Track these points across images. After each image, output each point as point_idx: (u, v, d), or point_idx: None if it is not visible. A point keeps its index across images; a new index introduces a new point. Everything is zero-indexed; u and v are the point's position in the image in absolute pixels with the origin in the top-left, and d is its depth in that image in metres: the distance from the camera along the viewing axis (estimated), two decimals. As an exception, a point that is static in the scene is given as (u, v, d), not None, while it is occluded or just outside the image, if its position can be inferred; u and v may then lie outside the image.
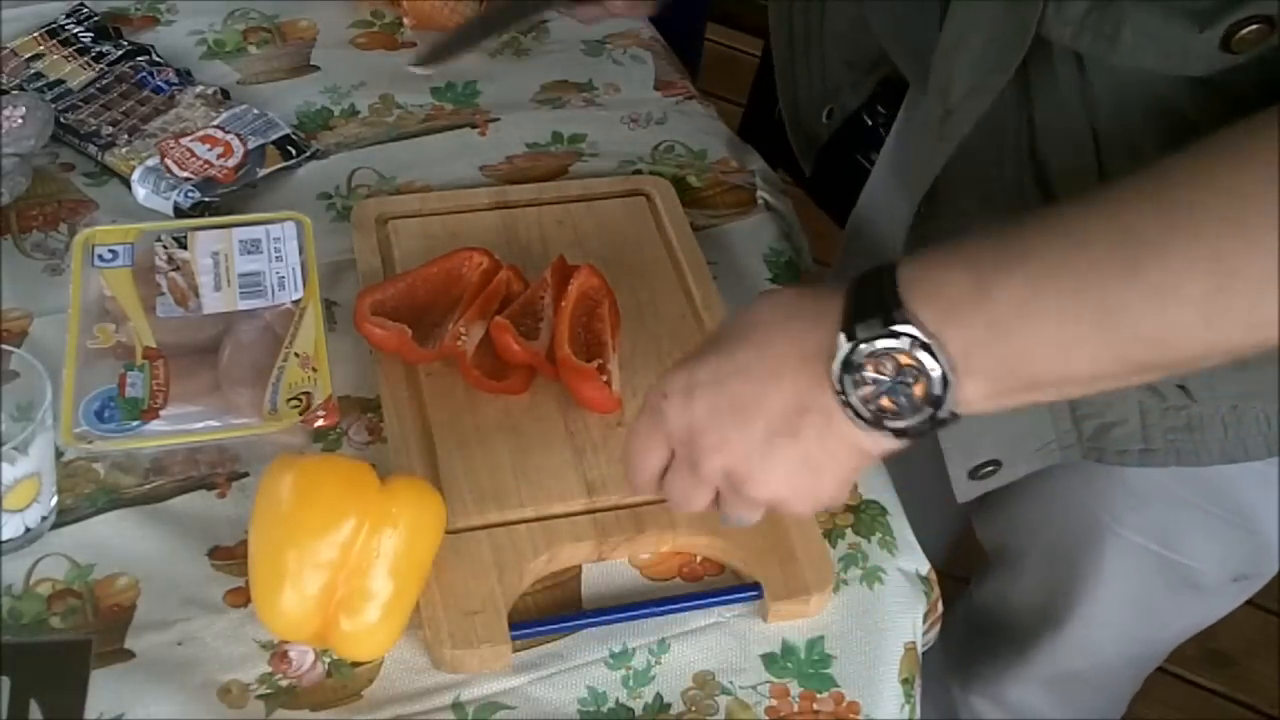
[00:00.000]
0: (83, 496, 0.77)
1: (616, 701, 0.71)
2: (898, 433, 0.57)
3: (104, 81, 1.02)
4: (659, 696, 0.72)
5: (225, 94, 1.03)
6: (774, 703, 0.72)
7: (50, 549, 0.75)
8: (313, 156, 1.00)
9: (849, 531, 0.80)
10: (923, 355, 0.55)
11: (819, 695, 0.73)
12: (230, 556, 0.75)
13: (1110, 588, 0.92)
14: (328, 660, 0.71)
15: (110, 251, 0.87)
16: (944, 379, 0.55)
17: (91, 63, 1.04)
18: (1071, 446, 0.79)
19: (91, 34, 1.07)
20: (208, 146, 0.96)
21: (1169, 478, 0.80)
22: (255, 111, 1.01)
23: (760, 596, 0.74)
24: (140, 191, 0.94)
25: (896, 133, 0.95)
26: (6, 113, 0.94)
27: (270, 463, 0.69)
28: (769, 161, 1.07)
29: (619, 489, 0.78)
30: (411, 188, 0.99)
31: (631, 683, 0.72)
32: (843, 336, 0.56)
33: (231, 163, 0.96)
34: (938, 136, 0.66)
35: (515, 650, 0.72)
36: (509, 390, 0.82)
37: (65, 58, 1.05)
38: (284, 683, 0.70)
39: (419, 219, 0.94)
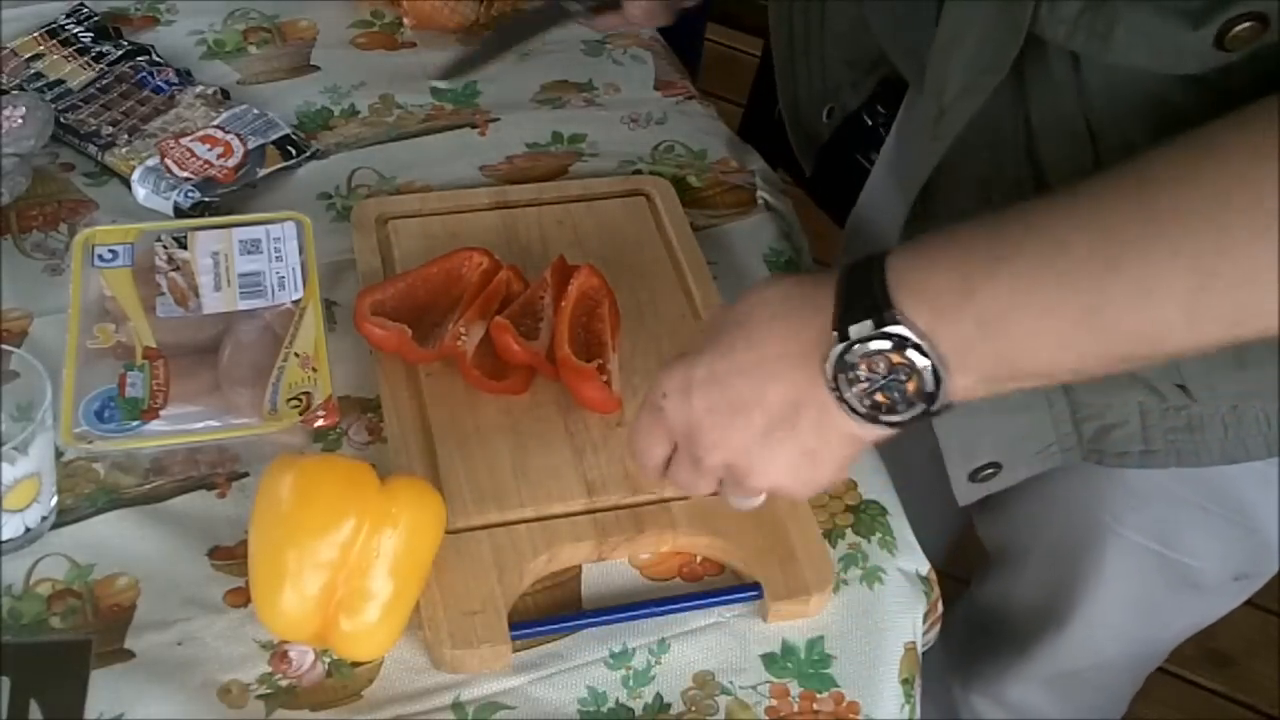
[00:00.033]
0: (83, 496, 0.77)
1: (616, 701, 0.71)
2: (893, 424, 0.59)
3: (104, 81, 1.02)
4: (659, 696, 0.72)
5: (225, 94, 1.03)
6: (774, 703, 0.72)
7: (50, 549, 0.75)
8: (313, 156, 1.00)
9: (849, 531, 0.80)
10: (914, 355, 0.56)
11: (819, 695, 0.73)
12: (230, 556, 0.75)
13: (1111, 587, 0.92)
14: (328, 660, 0.71)
15: (110, 251, 0.87)
16: (936, 376, 0.56)
17: (91, 63, 1.04)
18: (1072, 449, 0.79)
19: (91, 34, 1.07)
20: (208, 146, 0.96)
21: (1169, 477, 0.80)
22: (255, 111, 1.01)
23: (760, 596, 0.74)
24: (140, 191, 0.94)
25: (896, 133, 0.95)
26: (6, 113, 0.94)
27: (270, 463, 0.69)
28: (769, 161, 1.07)
29: (619, 489, 0.78)
30: (411, 188, 0.99)
31: (631, 683, 0.72)
32: (835, 336, 0.58)
33: (231, 163, 0.96)
34: (932, 135, 0.66)
35: (515, 650, 0.72)
36: (509, 390, 0.82)
37: (65, 58, 1.05)
38: (284, 683, 0.70)
39: (419, 219, 0.94)
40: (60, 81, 1.03)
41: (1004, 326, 0.55)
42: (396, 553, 0.67)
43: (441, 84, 0.99)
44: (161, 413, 0.77)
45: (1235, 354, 0.71)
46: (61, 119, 0.98)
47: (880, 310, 0.56)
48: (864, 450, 0.65)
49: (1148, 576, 0.90)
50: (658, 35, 1.18)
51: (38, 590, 0.73)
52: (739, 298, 0.64)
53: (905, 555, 0.80)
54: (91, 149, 0.97)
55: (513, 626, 0.71)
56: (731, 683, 0.73)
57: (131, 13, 1.13)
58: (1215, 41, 0.55)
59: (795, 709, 0.72)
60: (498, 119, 1.05)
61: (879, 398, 0.58)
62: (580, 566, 0.77)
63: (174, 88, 1.02)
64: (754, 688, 0.72)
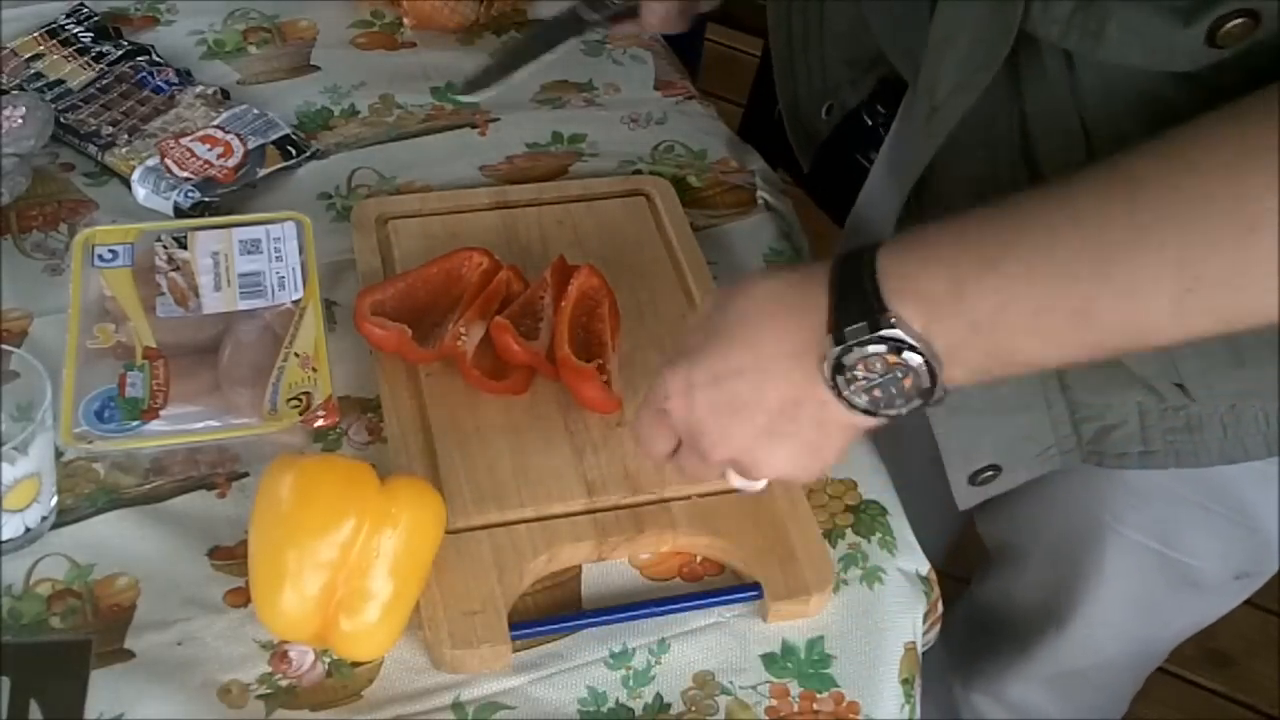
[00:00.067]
0: (83, 496, 0.77)
1: (616, 701, 0.71)
2: (891, 416, 0.61)
3: (104, 81, 1.02)
4: (659, 696, 0.72)
5: (225, 94, 1.03)
6: (774, 703, 0.72)
7: (50, 549, 0.75)
8: (313, 156, 1.00)
9: (849, 531, 0.80)
10: (910, 355, 0.58)
11: (819, 695, 0.73)
12: (230, 556, 0.75)
13: (1112, 586, 0.92)
14: (328, 660, 0.71)
15: (110, 251, 0.87)
16: (931, 372, 0.58)
17: (91, 63, 1.04)
18: (1071, 451, 0.79)
19: (91, 34, 1.07)
20: (208, 146, 0.96)
21: (1169, 477, 0.80)
22: (255, 111, 1.01)
23: (760, 596, 0.74)
24: (140, 191, 0.94)
25: (895, 132, 0.95)
26: (6, 113, 0.94)
27: (270, 463, 0.69)
28: (769, 161, 1.07)
29: (619, 489, 0.78)
30: (411, 188, 0.99)
31: (631, 683, 0.72)
32: (831, 340, 0.59)
33: (231, 163, 0.96)
34: (925, 132, 0.67)
35: (515, 650, 0.72)
36: (509, 390, 0.82)
37: (65, 58, 1.05)
38: (284, 683, 0.70)
39: (419, 219, 0.94)
40: (60, 81, 1.03)
41: (995, 326, 0.57)
42: (396, 553, 0.67)
43: (465, 97, 1.00)
44: (161, 413, 0.77)
45: (1233, 353, 0.71)
46: (61, 119, 0.98)
47: (875, 314, 0.58)
48: (864, 432, 0.67)
49: (1148, 576, 0.90)
50: (658, 35, 1.18)
51: (38, 590, 0.73)
52: (733, 292, 0.65)
53: (905, 555, 0.80)
54: (91, 149, 0.97)
55: (513, 626, 0.71)
56: (731, 683, 0.73)
57: (131, 13, 1.13)
58: (1207, 39, 0.55)
59: (795, 709, 0.72)
60: (498, 119, 1.05)
61: (876, 394, 0.60)
62: (580, 566, 0.77)
63: (174, 88, 1.02)
64: (754, 688, 0.72)
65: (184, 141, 0.96)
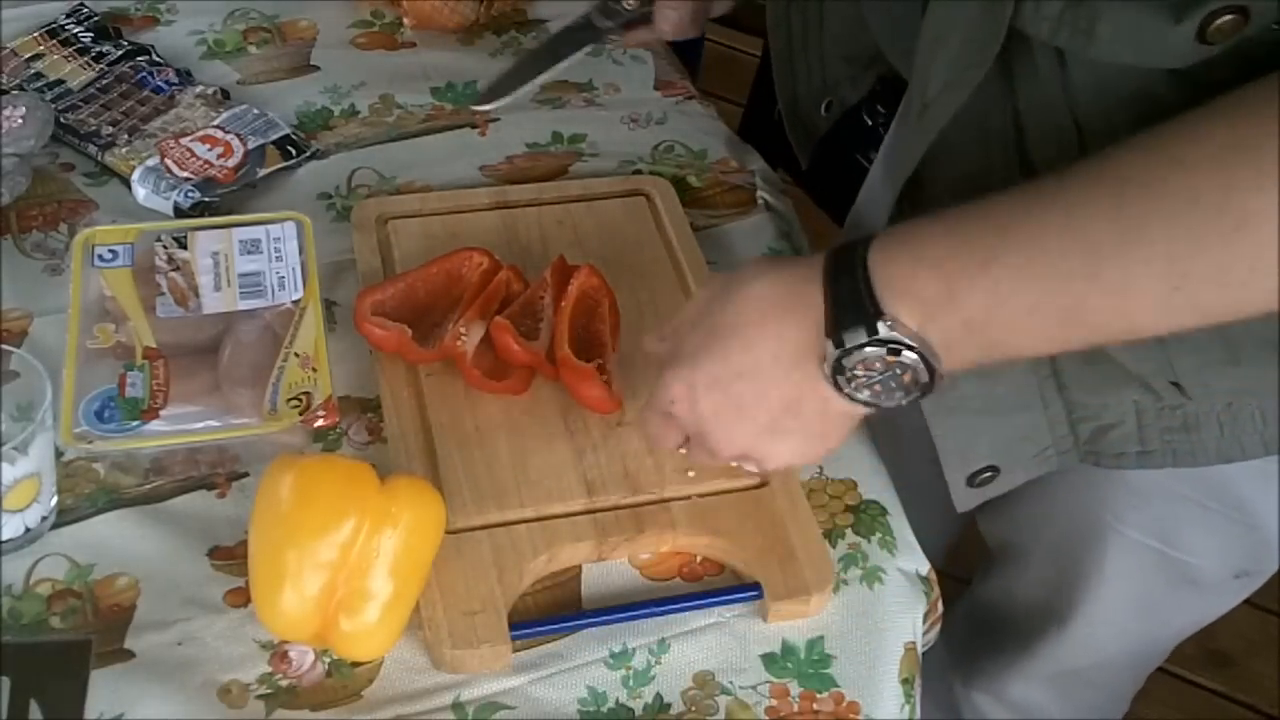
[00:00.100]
0: (83, 496, 0.77)
1: (616, 701, 0.71)
2: (892, 406, 0.63)
3: (104, 81, 1.02)
4: (659, 696, 0.72)
5: (225, 94, 1.03)
6: (774, 703, 0.72)
7: (50, 549, 0.75)
8: (313, 156, 1.00)
9: (849, 531, 0.80)
10: (908, 354, 0.59)
11: (819, 695, 0.73)
12: (230, 556, 0.75)
13: (1112, 585, 0.92)
14: (328, 660, 0.71)
15: (110, 251, 0.87)
16: (929, 368, 0.60)
17: (91, 63, 1.04)
18: (1069, 451, 0.79)
19: (91, 34, 1.07)
20: (208, 146, 0.96)
21: (1169, 475, 0.80)
22: (255, 111, 1.01)
23: (760, 596, 0.74)
24: (140, 191, 0.94)
25: (892, 130, 0.95)
26: (6, 113, 0.94)
27: (270, 463, 0.69)
28: (769, 161, 1.07)
29: (619, 489, 0.78)
30: (411, 188, 0.99)
31: (631, 683, 0.72)
32: (830, 344, 0.61)
33: (231, 163, 0.96)
34: (917, 129, 0.67)
35: (515, 650, 0.72)
36: (509, 390, 0.82)
37: (65, 58, 1.05)
38: (284, 683, 0.70)
39: (419, 219, 0.94)
40: (60, 81, 1.03)
41: (988, 324, 0.59)
42: (396, 553, 0.67)
43: (483, 108, 1.00)
44: (161, 413, 0.77)
45: (1229, 351, 0.71)
46: (61, 119, 0.98)
47: (872, 319, 0.59)
48: (864, 425, 0.74)
49: (1149, 574, 0.90)
50: (663, 37, 1.18)
51: (38, 590, 0.73)
52: (728, 288, 0.67)
53: (905, 555, 0.80)
54: (91, 149, 0.97)
55: (513, 626, 0.71)
56: (731, 683, 0.73)
57: (131, 13, 1.13)
58: (1197, 35, 0.56)
59: (795, 709, 0.72)
60: (498, 119, 1.05)
61: (877, 388, 0.61)
62: (580, 566, 0.77)
63: (174, 88, 1.02)
64: (754, 688, 0.72)
65: (184, 141, 0.96)
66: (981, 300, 0.58)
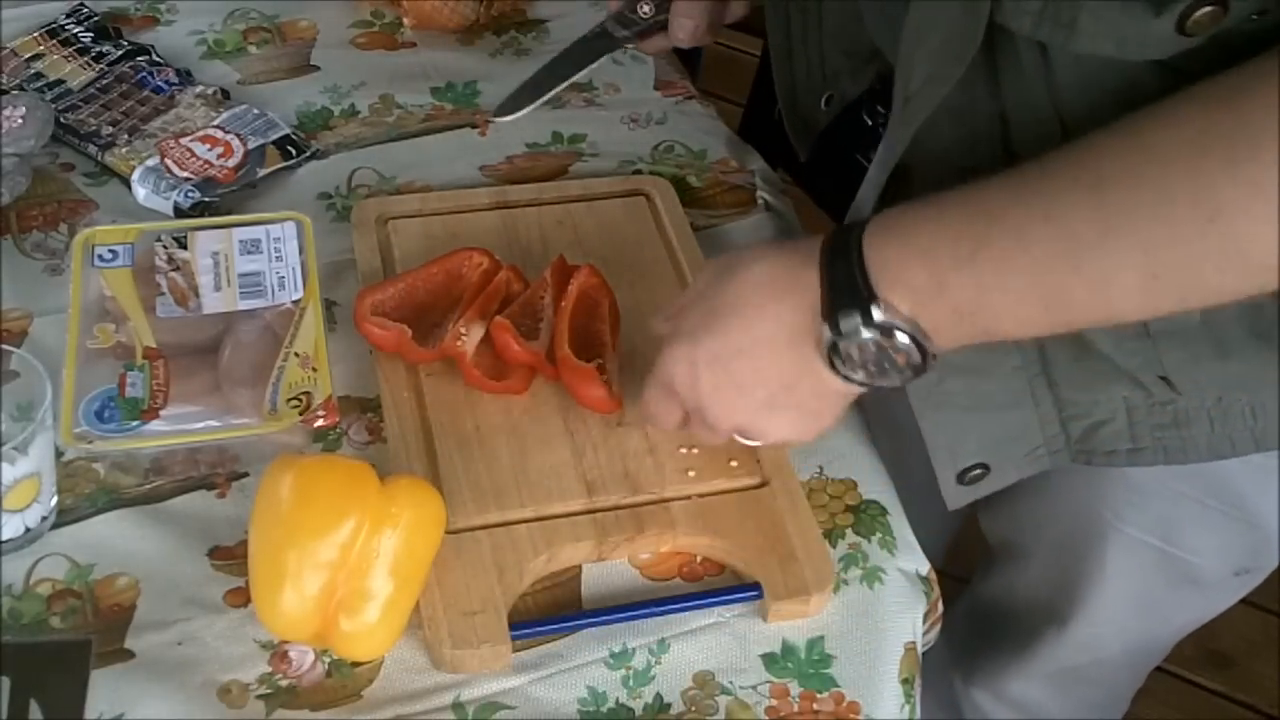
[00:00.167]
0: (83, 496, 0.77)
1: (616, 701, 0.71)
2: (887, 385, 0.65)
3: (104, 81, 1.02)
4: (659, 696, 0.72)
5: (225, 94, 1.03)
6: (774, 703, 0.72)
7: (50, 549, 0.75)
8: (313, 156, 1.00)
9: (849, 531, 0.80)
10: (901, 338, 0.62)
11: (819, 695, 0.73)
12: (230, 556, 0.75)
13: (1113, 583, 0.92)
14: (328, 660, 0.71)
15: (110, 251, 0.87)
16: (921, 350, 0.62)
17: (91, 63, 1.04)
18: (1060, 451, 0.79)
19: (91, 34, 1.07)
20: (208, 146, 0.96)
21: (1168, 473, 0.80)
22: (255, 111, 1.01)
23: (760, 596, 0.74)
24: (140, 191, 0.94)
25: (889, 128, 0.95)
26: (6, 113, 0.94)
27: (270, 463, 0.69)
28: (769, 161, 1.07)
29: (619, 489, 0.78)
30: (411, 188, 0.99)
31: (631, 683, 0.72)
32: (826, 328, 0.63)
33: (231, 163, 0.96)
34: (899, 121, 0.68)
35: (515, 650, 0.72)
36: (509, 390, 0.82)
37: (65, 58, 1.05)
38: (284, 683, 0.70)
39: (419, 219, 0.94)
40: (60, 81, 1.03)
41: (977, 312, 0.61)
42: (396, 553, 0.67)
43: (501, 119, 1.00)
44: (161, 413, 0.77)
45: (1217, 345, 0.71)
46: (61, 119, 0.98)
47: (866, 303, 0.61)
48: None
49: (1149, 572, 0.90)
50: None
51: (38, 590, 0.73)
52: (728, 269, 0.69)
53: (905, 555, 0.80)
54: (91, 149, 0.97)
55: (513, 626, 0.71)
56: (731, 683, 0.73)
57: (131, 13, 1.13)
58: (1177, 27, 0.56)
59: (795, 709, 0.72)
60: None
61: (871, 369, 0.64)
62: (580, 566, 0.77)
63: (174, 88, 1.02)
64: (754, 688, 0.72)
65: (184, 141, 0.96)
66: (969, 290, 0.60)
